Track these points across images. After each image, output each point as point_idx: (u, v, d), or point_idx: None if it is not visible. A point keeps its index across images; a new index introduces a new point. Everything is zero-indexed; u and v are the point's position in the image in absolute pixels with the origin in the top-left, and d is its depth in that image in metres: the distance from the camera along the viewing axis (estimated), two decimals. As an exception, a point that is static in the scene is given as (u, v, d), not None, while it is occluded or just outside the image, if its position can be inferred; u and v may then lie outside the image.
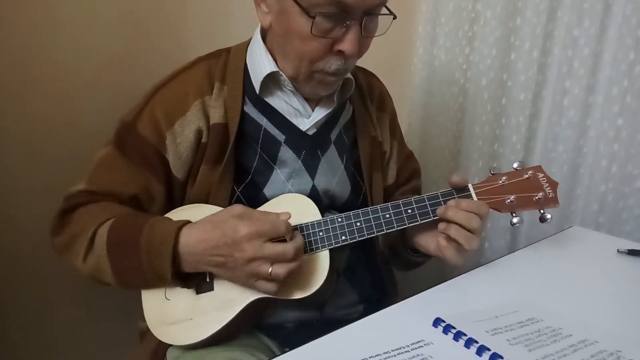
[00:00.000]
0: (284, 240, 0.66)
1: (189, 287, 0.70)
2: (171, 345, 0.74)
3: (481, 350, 0.50)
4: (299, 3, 0.66)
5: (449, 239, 0.69)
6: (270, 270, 0.63)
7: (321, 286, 0.69)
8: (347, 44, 0.67)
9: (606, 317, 0.64)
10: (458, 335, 0.53)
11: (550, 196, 0.73)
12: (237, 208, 0.67)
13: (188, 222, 0.69)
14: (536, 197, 0.73)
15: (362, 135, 0.86)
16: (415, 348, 0.52)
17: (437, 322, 0.57)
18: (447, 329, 0.55)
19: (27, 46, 0.87)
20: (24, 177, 0.91)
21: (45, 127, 0.91)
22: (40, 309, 0.98)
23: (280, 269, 0.63)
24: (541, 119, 1.18)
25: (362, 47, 0.71)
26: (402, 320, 0.61)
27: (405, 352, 0.51)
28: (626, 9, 1.00)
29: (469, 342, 0.52)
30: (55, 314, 1.00)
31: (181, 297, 0.70)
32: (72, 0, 0.89)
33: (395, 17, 0.71)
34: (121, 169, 0.75)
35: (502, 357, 0.49)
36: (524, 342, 0.53)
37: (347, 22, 0.66)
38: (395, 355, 0.50)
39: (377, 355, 0.50)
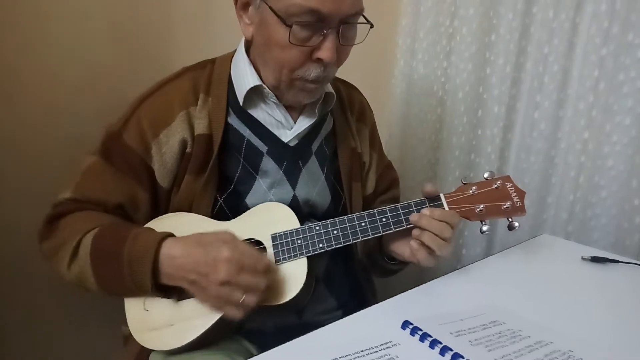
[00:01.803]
0: None
1: (169, 298, 0.72)
2: (153, 351, 0.77)
3: (444, 350, 0.54)
4: (277, 13, 0.69)
5: (422, 243, 0.73)
6: (242, 298, 0.65)
7: (299, 292, 0.72)
8: (324, 52, 0.70)
9: (564, 320, 0.68)
10: (424, 337, 0.57)
11: (518, 205, 0.77)
12: (227, 234, 0.69)
13: (171, 234, 0.71)
14: (504, 206, 0.77)
15: (342, 146, 0.89)
16: (384, 349, 0.55)
17: (405, 324, 0.60)
18: (414, 330, 0.59)
19: (17, 55, 0.89)
20: (11, 183, 0.93)
21: (33, 133, 0.94)
22: (25, 313, 0.99)
23: (251, 299, 0.65)
24: (515, 131, 1.23)
25: (340, 55, 0.74)
26: (374, 323, 0.65)
27: (374, 352, 0.54)
28: (591, 28, 1.06)
29: (434, 343, 0.56)
30: (39, 318, 1.01)
31: (162, 304, 0.72)
32: (63, 11, 0.92)
33: (372, 26, 0.74)
34: (107, 178, 0.77)
35: (462, 357, 0.53)
36: (485, 343, 0.57)
37: (325, 31, 0.69)
38: (364, 355, 0.53)
39: (347, 356, 0.53)
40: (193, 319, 0.71)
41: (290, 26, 0.68)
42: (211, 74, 0.82)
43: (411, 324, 0.60)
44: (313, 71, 0.73)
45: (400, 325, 0.61)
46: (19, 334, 0.99)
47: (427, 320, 0.61)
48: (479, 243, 1.31)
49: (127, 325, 0.75)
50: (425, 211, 0.74)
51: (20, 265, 0.95)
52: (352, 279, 0.91)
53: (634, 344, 0.63)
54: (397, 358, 0.54)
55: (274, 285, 0.71)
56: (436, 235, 0.71)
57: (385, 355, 0.54)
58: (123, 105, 0.81)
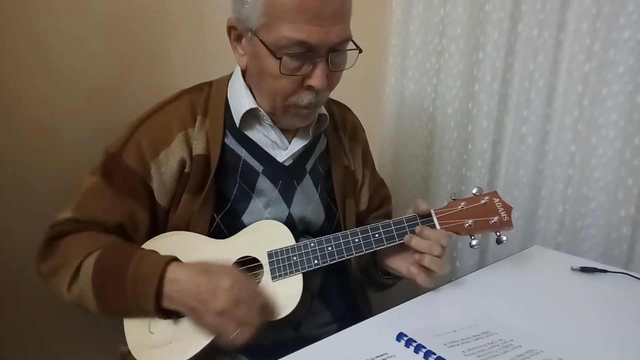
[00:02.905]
0: None
1: (169, 318, 0.73)
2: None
3: (438, 361, 0.56)
4: (267, 46, 0.71)
5: (420, 266, 0.75)
6: (235, 333, 0.66)
7: (295, 308, 0.73)
8: (315, 80, 0.73)
9: (554, 328, 0.70)
10: (418, 348, 0.59)
11: (505, 220, 0.80)
12: (232, 268, 0.71)
13: (174, 258, 0.72)
14: (492, 221, 0.79)
15: (336, 165, 0.91)
16: (379, 360, 0.57)
17: (400, 336, 0.62)
18: (409, 342, 0.60)
19: (16, 79, 0.91)
20: (10, 203, 0.94)
21: (33, 156, 0.95)
22: (20, 330, 0.99)
23: (243, 336, 0.66)
24: (504, 145, 1.27)
25: (331, 80, 0.76)
26: (369, 335, 0.66)
27: (370, 364, 0.56)
28: (574, 46, 1.10)
29: (428, 354, 0.57)
30: (34, 336, 1.01)
31: (162, 322, 0.73)
32: (61, 36, 0.95)
33: (360, 51, 0.76)
34: (107, 198, 0.78)
35: (455, 367, 0.54)
36: (477, 353, 0.58)
37: (314, 60, 0.72)
38: (360, 368, 0.55)
39: (344, 368, 0.55)
40: (192, 336, 0.72)
41: (280, 58, 0.71)
42: (208, 96, 0.84)
43: (406, 335, 0.62)
44: (305, 98, 0.76)
45: (395, 337, 0.63)
46: (13, 350, 0.99)
47: (422, 332, 0.63)
48: (472, 256, 1.34)
49: (124, 344, 0.75)
50: (417, 229, 0.76)
51: (18, 282, 0.96)
52: (347, 294, 0.92)
53: (622, 351, 0.65)
54: (392, 370, 0.55)
55: (271, 301, 0.72)
56: (429, 254, 0.73)
57: (381, 367, 0.56)
58: (121, 128, 0.83)
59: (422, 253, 0.75)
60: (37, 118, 0.95)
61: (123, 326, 0.75)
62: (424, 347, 0.59)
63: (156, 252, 0.74)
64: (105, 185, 0.79)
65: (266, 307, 0.71)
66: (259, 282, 0.76)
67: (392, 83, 1.45)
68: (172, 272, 0.69)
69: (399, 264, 0.81)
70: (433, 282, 0.77)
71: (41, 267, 0.78)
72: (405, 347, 0.60)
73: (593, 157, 1.11)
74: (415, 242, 0.75)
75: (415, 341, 0.60)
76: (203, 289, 0.67)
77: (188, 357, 0.71)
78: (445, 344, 0.60)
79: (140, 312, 0.71)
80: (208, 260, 0.72)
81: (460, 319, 0.70)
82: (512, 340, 0.63)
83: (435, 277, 0.76)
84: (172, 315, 0.73)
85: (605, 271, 0.91)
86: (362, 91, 1.36)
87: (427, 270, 0.75)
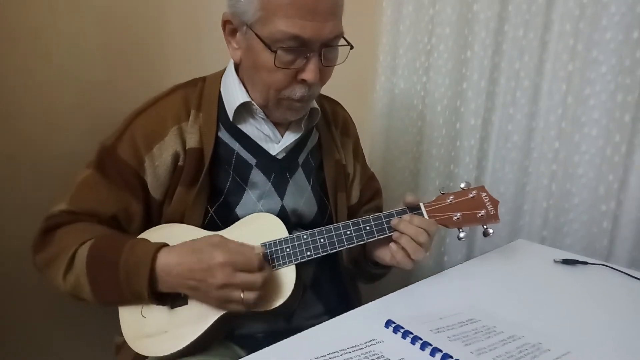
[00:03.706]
0: None
1: (163, 305, 0.75)
2: (147, 358, 0.79)
3: (424, 345, 0.59)
4: (263, 40, 0.74)
5: (400, 246, 0.78)
6: (242, 296, 0.69)
7: (288, 298, 0.75)
8: (308, 74, 0.75)
9: (535, 317, 0.73)
10: (406, 334, 0.61)
11: (492, 213, 0.83)
12: (216, 238, 0.73)
13: (166, 244, 0.74)
14: (479, 214, 0.82)
15: (328, 158, 0.94)
16: (368, 345, 0.59)
17: (388, 323, 0.65)
18: (397, 329, 0.63)
19: (12, 73, 0.92)
20: (6, 197, 0.95)
21: (28, 149, 0.96)
22: (16, 323, 1.00)
23: (250, 295, 0.69)
24: (491, 142, 1.30)
25: (323, 75, 0.79)
26: (359, 323, 0.69)
27: (359, 349, 0.58)
28: (558, 46, 1.14)
29: (415, 340, 0.60)
30: (30, 329, 1.02)
31: (157, 312, 0.75)
32: (58, 31, 0.95)
33: (352, 47, 0.79)
34: (102, 190, 0.80)
35: (441, 351, 0.57)
36: (462, 338, 0.61)
37: (308, 54, 0.74)
38: (350, 352, 0.57)
39: (334, 353, 0.57)
40: (187, 325, 0.74)
41: (275, 51, 0.73)
42: (202, 91, 0.86)
43: (394, 322, 0.64)
44: (298, 91, 0.78)
45: (383, 324, 0.65)
46: (9, 343, 1.00)
47: (409, 319, 0.65)
48: (460, 250, 1.37)
49: (119, 335, 0.77)
50: (406, 217, 0.79)
51: (16, 276, 0.97)
52: (338, 286, 0.94)
53: (600, 337, 0.68)
54: (381, 354, 0.58)
55: (264, 291, 0.74)
56: (412, 239, 0.76)
57: (370, 351, 0.58)
58: (116, 123, 0.84)
59: (402, 233, 0.77)
60: (33, 112, 0.95)
61: (118, 317, 0.77)
62: (411, 333, 0.61)
63: (147, 240, 0.75)
64: (100, 177, 0.80)
65: (262, 260, 0.72)
66: None
67: (382, 81, 1.48)
68: (163, 257, 0.71)
69: (385, 253, 0.83)
70: (410, 263, 0.79)
71: (36, 259, 0.80)
72: (393, 333, 0.63)
73: (576, 154, 1.15)
74: (403, 226, 0.77)
75: (402, 327, 0.63)
76: (197, 268, 0.69)
77: (183, 346, 0.73)
78: (431, 330, 0.62)
79: (134, 299, 0.73)
80: (194, 238, 0.74)
81: (447, 307, 0.73)
82: (495, 326, 0.66)
83: (412, 259, 0.78)
84: (166, 301, 0.74)
85: (586, 263, 0.94)
86: (353, 89, 1.38)
87: (405, 250, 0.77)
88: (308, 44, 0.73)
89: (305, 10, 0.71)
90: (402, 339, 0.61)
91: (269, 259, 0.77)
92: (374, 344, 0.60)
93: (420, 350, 0.58)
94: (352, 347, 0.59)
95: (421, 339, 0.59)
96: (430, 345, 0.58)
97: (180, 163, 0.82)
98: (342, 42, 0.78)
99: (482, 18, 1.23)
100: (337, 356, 0.57)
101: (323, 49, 0.75)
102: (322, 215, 0.92)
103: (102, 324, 0.87)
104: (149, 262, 0.70)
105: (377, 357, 0.57)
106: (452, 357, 0.56)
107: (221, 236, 0.73)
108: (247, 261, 0.70)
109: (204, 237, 0.74)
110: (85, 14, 0.98)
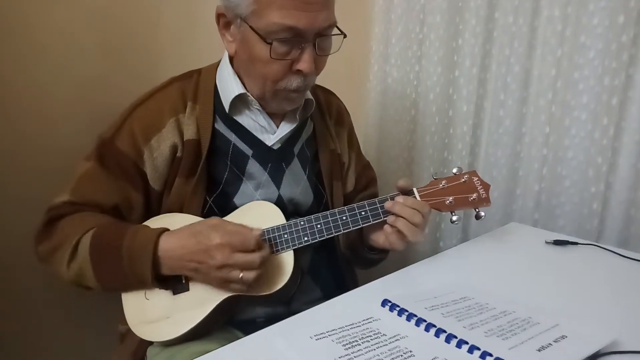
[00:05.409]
0: None
1: (166, 289, 0.77)
2: (151, 344, 0.81)
3: (419, 322, 0.61)
4: (257, 32, 0.75)
5: (395, 228, 0.80)
6: (241, 275, 0.71)
7: (286, 283, 0.77)
8: (303, 64, 0.77)
9: (527, 294, 0.76)
10: (401, 312, 0.64)
11: (483, 197, 0.85)
12: (214, 220, 0.75)
13: (166, 229, 0.76)
14: (471, 198, 0.84)
15: (323, 148, 0.95)
16: (366, 323, 0.62)
17: (384, 302, 0.67)
18: (393, 307, 0.65)
19: (9, 69, 0.93)
20: (9, 191, 0.97)
21: (26, 144, 0.98)
22: (20, 314, 1.02)
23: (249, 275, 0.71)
24: (483, 128, 1.32)
25: (318, 64, 0.80)
26: (356, 303, 0.71)
27: (357, 326, 0.61)
28: (547, 31, 1.15)
29: (410, 317, 0.62)
30: (35, 319, 1.04)
31: (159, 298, 0.77)
32: (53, 26, 0.97)
33: (345, 36, 0.81)
34: (102, 181, 0.82)
35: (435, 326, 0.59)
36: (455, 314, 0.63)
37: (302, 45, 0.76)
38: (347, 329, 0.60)
39: (332, 330, 0.59)
40: (188, 311, 0.76)
41: (270, 43, 0.74)
42: (198, 83, 0.88)
43: (390, 301, 0.67)
44: (294, 82, 0.79)
45: (380, 304, 0.67)
46: (14, 334, 1.02)
47: (404, 298, 0.68)
48: (455, 235, 1.39)
49: (123, 324, 0.79)
50: (399, 199, 0.81)
51: (18, 269, 0.98)
52: (335, 271, 0.97)
53: (589, 312, 0.71)
54: (378, 331, 0.60)
55: (263, 276, 0.76)
56: (408, 220, 0.78)
57: (367, 328, 0.61)
58: (113, 116, 0.86)
59: (397, 216, 0.79)
60: (30, 107, 0.97)
61: (121, 307, 0.79)
62: (407, 311, 0.63)
63: (147, 227, 0.78)
64: (100, 169, 0.82)
65: (260, 240, 0.74)
66: None
67: (375, 70, 1.49)
68: (165, 241, 0.74)
69: (380, 236, 0.85)
70: (403, 245, 0.81)
71: (39, 249, 0.81)
72: (390, 312, 0.65)
73: (566, 138, 1.17)
74: (398, 208, 0.79)
75: (398, 306, 0.65)
76: (195, 250, 0.72)
77: (185, 331, 0.75)
78: (426, 308, 0.65)
79: (137, 284, 0.75)
80: (193, 222, 0.76)
81: (441, 287, 0.75)
82: (487, 303, 0.68)
83: (407, 242, 0.80)
84: (169, 285, 0.77)
85: (576, 243, 0.97)
86: (346, 79, 1.40)
87: (400, 233, 0.80)
88: (302, 34, 0.75)
89: (299, 1, 0.72)
90: (398, 317, 0.64)
91: (268, 244, 0.78)
92: (371, 322, 0.62)
93: (416, 327, 0.61)
94: (350, 324, 0.61)
95: (416, 316, 0.62)
96: (425, 321, 0.60)
97: (178, 154, 0.84)
98: (335, 31, 0.80)
99: (473, 6, 1.25)
100: (336, 333, 0.59)
101: (317, 38, 0.76)
102: (318, 204, 0.94)
103: (106, 314, 0.89)
104: (151, 246, 0.73)
105: (374, 334, 0.59)
106: (445, 331, 0.58)
107: (219, 218, 0.75)
108: (244, 241, 0.72)
109: (203, 220, 0.76)
110: (80, 9, 1.00)
